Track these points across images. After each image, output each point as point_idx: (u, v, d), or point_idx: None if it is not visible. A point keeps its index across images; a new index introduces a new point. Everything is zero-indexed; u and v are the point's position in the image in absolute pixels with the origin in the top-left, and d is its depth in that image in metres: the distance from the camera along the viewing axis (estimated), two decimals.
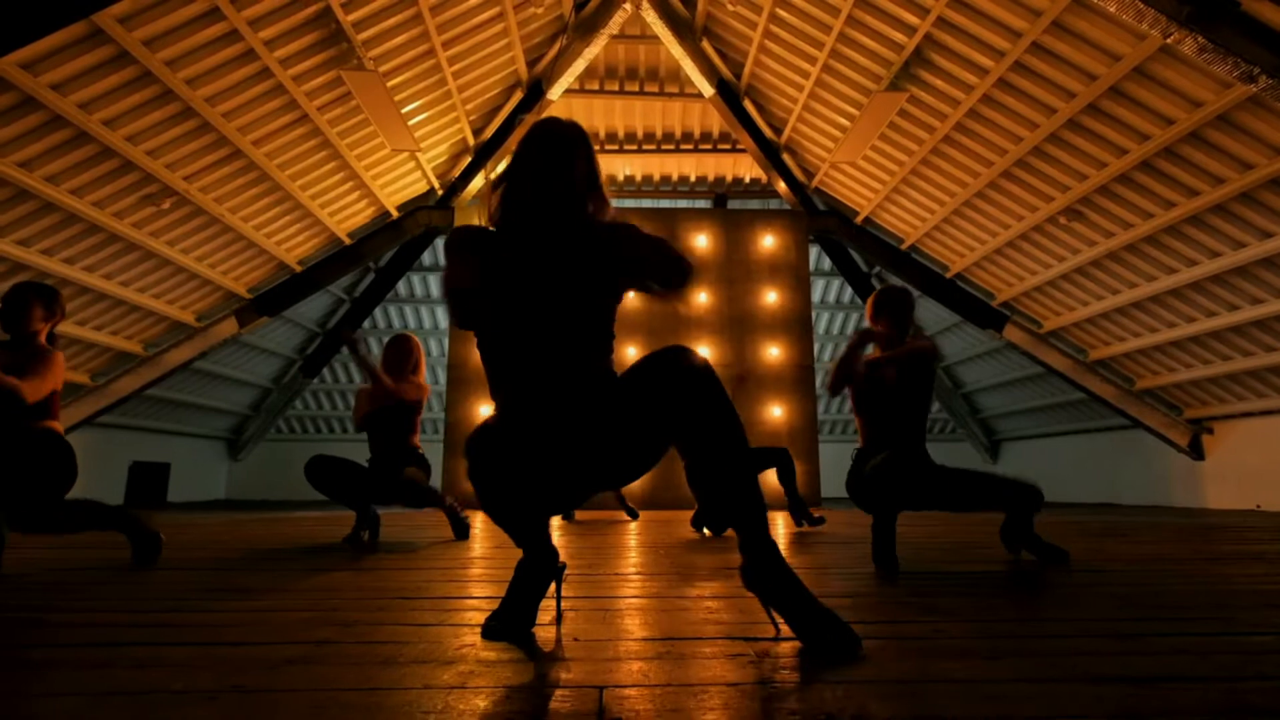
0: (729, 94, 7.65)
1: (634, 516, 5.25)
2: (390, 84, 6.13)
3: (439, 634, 1.42)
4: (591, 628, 1.47)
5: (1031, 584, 2.10)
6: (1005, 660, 1.19)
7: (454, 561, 2.79)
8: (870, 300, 2.65)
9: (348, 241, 7.94)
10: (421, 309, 10.71)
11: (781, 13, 6.45)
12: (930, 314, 9.75)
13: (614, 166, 9.19)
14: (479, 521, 4.67)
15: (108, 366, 7.01)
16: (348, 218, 7.79)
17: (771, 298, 8.07)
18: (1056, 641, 1.34)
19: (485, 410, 7.64)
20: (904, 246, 8.42)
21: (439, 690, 1.03)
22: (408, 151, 7.06)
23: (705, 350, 7.90)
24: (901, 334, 2.59)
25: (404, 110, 6.52)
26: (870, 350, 2.63)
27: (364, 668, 1.15)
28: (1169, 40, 4.00)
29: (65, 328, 6.20)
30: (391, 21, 5.79)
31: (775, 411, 7.72)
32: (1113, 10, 4.05)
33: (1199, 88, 4.64)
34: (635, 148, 8.72)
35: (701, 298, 8.05)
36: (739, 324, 7.92)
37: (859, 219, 8.44)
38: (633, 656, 1.22)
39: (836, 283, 10.70)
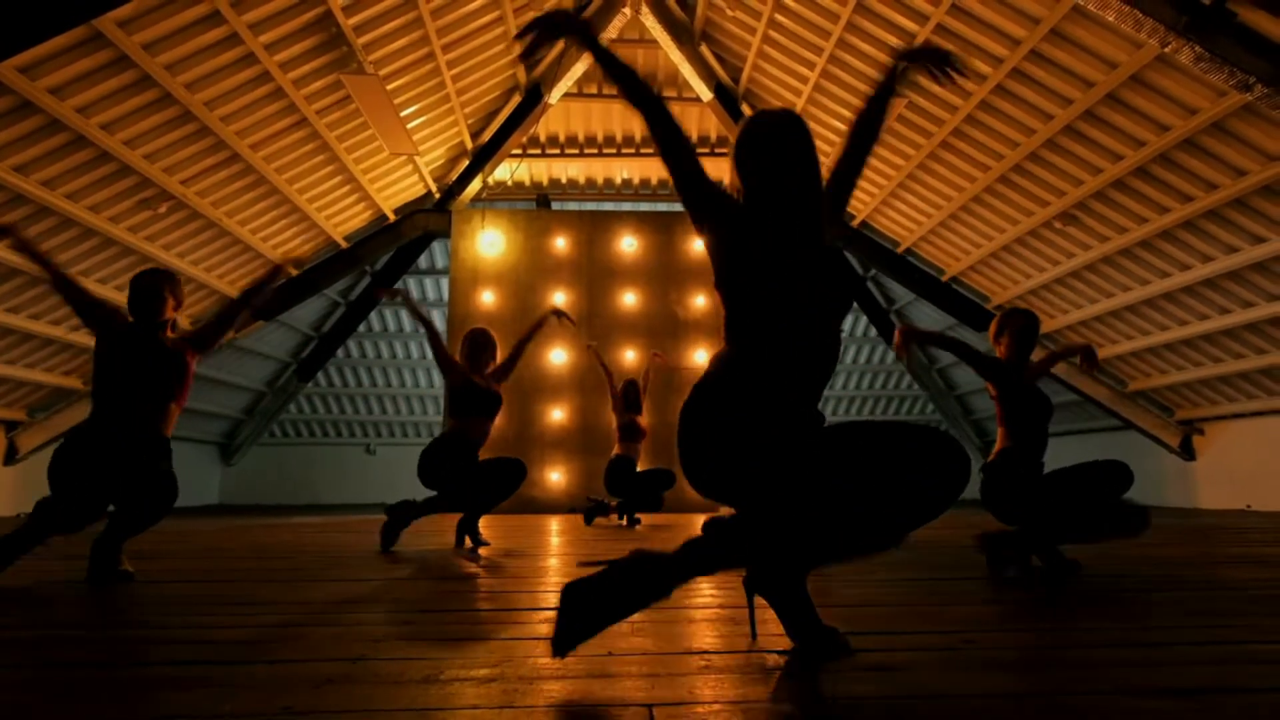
0: (727, 98, 7.67)
1: (635, 523, 5.24)
2: (389, 87, 6.11)
3: (470, 649, 1.42)
4: (623, 640, 1.48)
5: (1049, 590, 2.12)
6: (1041, 672, 1.20)
7: (462, 570, 2.78)
8: (994, 321, 2.67)
9: (344, 245, 7.90)
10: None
11: (780, 18, 6.48)
12: (926, 317, 9.81)
13: (612, 170, 9.20)
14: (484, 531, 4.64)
15: None
16: (344, 221, 7.75)
17: None
18: (1088, 652, 1.36)
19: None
20: (900, 250, 8.47)
21: (487, 710, 1.03)
22: (406, 155, 7.04)
23: (701, 353, 7.91)
24: (1023, 357, 2.59)
25: (403, 114, 6.49)
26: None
27: (405, 687, 1.15)
28: (1167, 49, 4.05)
29: (58, 332, 6.13)
30: (392, 25, 5.77)
31: None
32: (1111, 19, 4.10)
33: (1194, 95, 4.70)
34: (633, 151, 8.72)
35: (699, 301, 8.07)
36: None
37: (855, 222, 8.48)
38: (673, 671, 1.23)
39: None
